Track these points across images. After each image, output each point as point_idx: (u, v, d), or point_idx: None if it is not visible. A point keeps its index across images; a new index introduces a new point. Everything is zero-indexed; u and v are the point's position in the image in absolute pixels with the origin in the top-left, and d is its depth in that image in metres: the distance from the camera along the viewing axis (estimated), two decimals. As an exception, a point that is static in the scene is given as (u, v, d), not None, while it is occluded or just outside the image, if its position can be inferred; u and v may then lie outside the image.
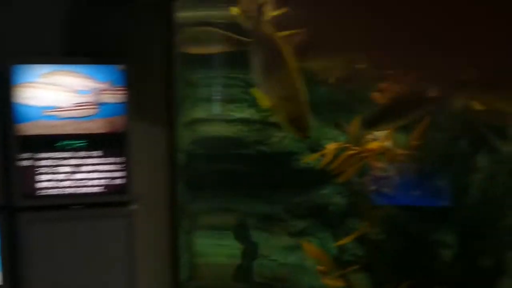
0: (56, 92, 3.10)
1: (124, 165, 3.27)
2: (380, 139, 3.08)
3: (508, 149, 3.13)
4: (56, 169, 3.14)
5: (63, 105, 3.11)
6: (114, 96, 3.19)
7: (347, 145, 3.11)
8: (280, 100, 2.12)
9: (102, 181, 3.24)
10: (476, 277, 3.36)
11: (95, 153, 3.21)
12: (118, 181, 3.27)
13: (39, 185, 3.11)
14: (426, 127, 3.15)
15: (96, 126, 3.18)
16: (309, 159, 3.19)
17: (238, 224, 4.62)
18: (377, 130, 2.75)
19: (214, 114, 3.87)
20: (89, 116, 3.16)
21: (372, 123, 2.44)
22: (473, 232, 3.38)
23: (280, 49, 2.15)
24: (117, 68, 3.20)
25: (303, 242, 3.70)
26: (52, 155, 3.14)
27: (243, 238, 4.58)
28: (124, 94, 3.22)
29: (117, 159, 3.26)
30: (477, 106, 2.38)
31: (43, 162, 3.12)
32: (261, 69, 2.21)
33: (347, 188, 3.52)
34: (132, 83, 3.24)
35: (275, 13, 2.52)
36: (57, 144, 3.14)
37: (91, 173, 3.21)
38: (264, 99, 2.17)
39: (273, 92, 2.13)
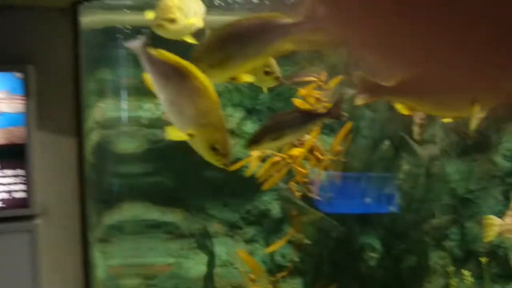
0: None
1: (25, 178, 2.99)
2: (303, 145, 3.01)
3: (426, 152, 3.17)
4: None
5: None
6: (12, 106, 2.88)
7: (271, 152, 3.01)
8: (199, 128, 1.93)
9: (1, 195, 2.96)
10: (400, 277, 3.39)
11: (-9, 166, 2.91)
12: (19, 195, 2.99)
13: None
14: (347, 132, 3.11)
15: (-8, 138, 2.87)
16: (233, 168, 3.04)
17: (200, 233, 4.48)
18: (261, 148, 2.68)
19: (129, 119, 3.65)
20: (-16, 127, 2.84)
21: (253, 141, 2.38)
22: (397, 234, 3.41)
23: (191, 74, 1.94)
24: (15, 76, 2.90)
25: (238, 251, 3.58)
26: None
27: (205, 247, 4.46)
28: (24, 103, 2.91)
29: (17, 172, 2.99)
30: (403, 110, 2.36)
31: None
32: (170, 101, 1.99)
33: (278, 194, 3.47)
34: (34, 91, 2.95)
35: (194, 21, 2.34)
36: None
37: (-13, 187, 2.92)
38: (178, 134, 1.98)
39: (189, 122, 1.94)
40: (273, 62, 2.45)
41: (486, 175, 4.56)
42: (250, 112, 4.74)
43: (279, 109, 4.25)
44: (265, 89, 2.64)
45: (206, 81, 1.95)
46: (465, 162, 4.72)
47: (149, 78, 2.03)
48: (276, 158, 3.02)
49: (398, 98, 2.23)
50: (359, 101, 2.26)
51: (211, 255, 4.10)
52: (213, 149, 1.91)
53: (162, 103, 2.06)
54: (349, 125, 3.18)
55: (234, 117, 4.67)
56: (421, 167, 3.22)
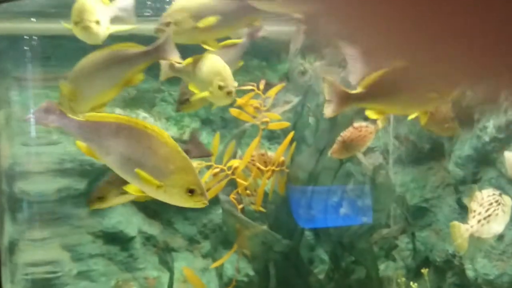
0: None
1: None
2: (244, 156, 2.91)
3: (370, 160, 3.11)
4: None
5: None
6: None
7: (210, 163, 2.90)
8: (169, 177, 1.86)
9: None
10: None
11: None
12: None
13: None
14: (289, 141, 3.03)
15: None
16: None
17: (161, 249, 4.37)
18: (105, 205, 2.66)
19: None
20: None
21: (97, 198, 2.36)
22: (345, 245, 3.32)
23: (139, 126, 1.87)
24: None
25: (183, 268, 3.45)
26: None
27: (166, 263, 4.35)
28: None
29: None
30: (373, 115, 2.32)
31: None
32: (125, 159, 1.89)
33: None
34: None
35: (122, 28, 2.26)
36: None
37: None
38: (138, 191, 1.90)
39: (155, 174, 1.86)
40: (227, 75, 2.38)
41: (441, 184, 4.54)
42: (205, 122, 4.67)
43: (232, 119, 4.16)
44: (214, 106, 2.59)
45: (157, 128, 1.89)
46: (421, 171, 4.70)
47: (86, 145, 1.93)
48: (216, 170, 2.91)
49: (368, 103, 2.21)
50: (329, 113, 2.21)
51: (170, 271, 3.96)
52: (190, 191, 1.84)
53: (111, 165, 1.95)
54: (291, 134, 3.10)
55: (190, 127, 4.58)
56: (366, 176, 3.15)
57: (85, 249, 4.20)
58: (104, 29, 2.14)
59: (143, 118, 4.46)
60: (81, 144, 1.96)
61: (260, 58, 4.73)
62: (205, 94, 2.39)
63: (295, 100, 3.12)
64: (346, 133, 2.72)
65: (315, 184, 3.23)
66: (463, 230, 2.49)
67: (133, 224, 4.42)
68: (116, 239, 4.34)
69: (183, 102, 2.67)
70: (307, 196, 3.20)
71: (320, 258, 3.38)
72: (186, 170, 1.87)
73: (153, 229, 4.50)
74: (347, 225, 3.22)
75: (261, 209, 3.15)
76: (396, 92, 2.20)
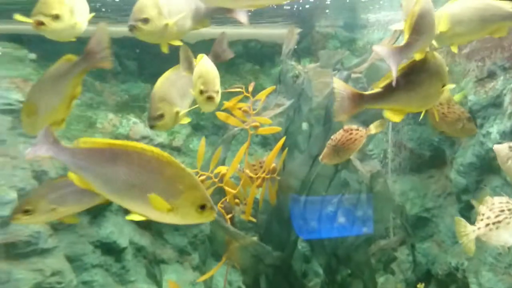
0: None
1: None
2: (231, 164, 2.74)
3: (367, 168, 2.92)
4: None
5: None
6: None
7: (195, 170, 2.73)
8: (179, 197, 1.78)
9: None
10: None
11: None
12: None
13: None
14: (280, 147, 2.86)
15: None
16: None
17: (150, 261, 4.23)
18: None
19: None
20: None
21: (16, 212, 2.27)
22: (340, 258, 3.13)
23: (140, 149, 1.75)
24: None
25: (169, 282, 3.27)
26: None
27: (153, 276, 4.22)
28: None
29: None
30: (392, 117, 2.25)
31: None
32: (129, 186, 1.77)
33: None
34: None
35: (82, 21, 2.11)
36: None
37: None
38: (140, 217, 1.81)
39: (164, 196, 1.76)
40: (209, 80, 2.22)
41: (442, 192, 4.35)
42: (196, 128, 4.52)
43: (224, 125, 4.01)
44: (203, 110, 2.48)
45: (155, 148, 1.76)
46: (422, 179, 4.51)
47: (81, 176, 1.80)
48: (202, 177, 2.74)
49: (384, 104, 2.14)
50: (340, 116, 2.09)
51: (158, 285, 3.78)
52: (201, 207, 1.76)
53: (111, 195, 1.81)
54: (282, 139, 2.93)
55: (181, 133, 4.43)
56: (363, 185, 2.96)
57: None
58: (68, 24, 1.97)
59: (133, 123, 4.32)
60: (74, 176, 1.83)
61: (253, 62, 4.59)
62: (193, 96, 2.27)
63: (287, 103, 2.95)
64: (336, 137, 2.55)
65: (308, 193, 3.05)
66: (469, 230, 2.37)
67: (124, 234, 4.25)
68: (111, 250, 4.19)
69: (156, 118, 2.39)
70: (306, 206, 3.01)
71: (314, 271, 3.18)
72: (196, 187, 1.78)
73: (144, 239, 4.34)
74: (348, 235, 3.03)
75: (251, 219, 2.96)
76: (412, 88, 2.14)
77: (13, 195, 3.40)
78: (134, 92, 4.51)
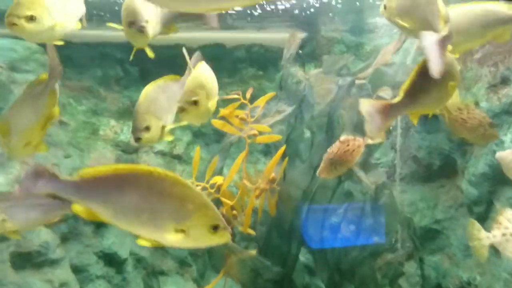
0: None
1: None
2: (229, 173, 2.61)
3: (372, 179, 2.78)
4: None
5: None
6: None
7: (190, 180, 2.60)
8: (191, 218, 1.72)
9: None
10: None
11: None
12: None
13: None
14: (280, 156, 2.72)
15: None
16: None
17: (148, 273, 4.14)
18: None
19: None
20: None
21: None
22: (343, 272, 2.98)
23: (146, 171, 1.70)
24: None
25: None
26: None
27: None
28: None
29: None
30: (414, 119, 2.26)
31: None
32: (137, 210, 1.71)
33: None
34: None
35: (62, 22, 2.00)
36: None
37: None
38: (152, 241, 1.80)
39: (175, 219, 1.72)
40: (193, 86, 2.10)
41: (454, 204, 4.17)
42: (197, 135, 4.40)
43: (225, 132, 3.90)
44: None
45: (160, 169, 1.69)
46: (432, 189, 4.34)
47: (86, 208, 1.70)
48: (197, 187, 2.61)
49: (410, 108, 2.15)
50: (375, 133, 2.10)
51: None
52: (214, 228, 1.68)
53: (120, 223, 1.72)
54: (282, 148, 2.80)
55: (182, 141, 4.32)
56: (367, 196, 2.82)
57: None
58: (45, 26, 1.85)
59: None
60: (79, 208, 1.72)
61: (256, 67, 4.47)
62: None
63: (288, 109, 2.82)
64: (333, 150, 2.40)
65: (310, 204, 2.91)
66: (483, 236, 2.31)
67: (125, 245, 4.16)
68: (112, 261, 4.11)
69: (142, 130, 2.26)
70: (313, 216, 2.88)
71: (317, 286, 3.03)
72: (206, 206, 1.70)
73: (144, 250, 4.24)
74: (357, 246, 2.88)
75: (250, 231, 2.83)
76: (429, 89, 2.14)
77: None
78: (136, 98, 4.41)
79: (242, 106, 2.83)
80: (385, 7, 2.17)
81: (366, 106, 2.01)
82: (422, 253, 3.83)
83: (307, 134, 2.99)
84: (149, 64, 4.53)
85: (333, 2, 4.10)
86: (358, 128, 2.85)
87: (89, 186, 1.70)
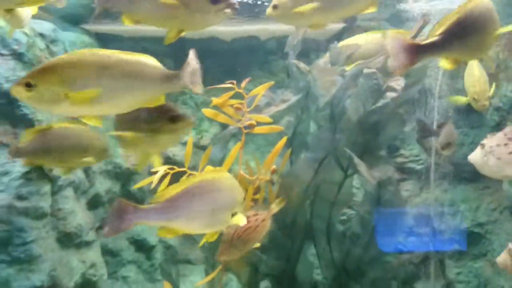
0: None
1: None
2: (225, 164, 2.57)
3: (376, 174, 2.60)
4: None
5: None
6: None
7: (183, 169, 2.60)
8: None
9: None
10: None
11: None
12: None
13: None
14: (281, 148, 2.64)
15: None
16: (141, 184, 2.69)
17: (165, 259, 4.27)
18: None
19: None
20: None
21: None
22: (350, 273, 2.83)
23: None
24: None
25: (165, 283, 3.19)
26: None
27: (168, 275, 4.27)
28: None
29: None
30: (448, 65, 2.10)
31: None
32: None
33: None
34: None
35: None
36: None
37: None
38: None
39: None
40: None
41: (498, 206, 3.81)
42: (225, 126, 4.39)
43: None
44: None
45: (216, 172, 2.08)
46: (475, 190, 3.99)
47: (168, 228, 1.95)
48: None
49: (443, 52, 2.03)
50: (397, 68, 1.95)
51: (175, 284, 3.72)
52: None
53: (198, 227, 1.99)
54: (284, 139, 2.71)
55: (209, 132, 4.34)
56: (373, 192, 2.64)
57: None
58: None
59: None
60: (163, 231, 1.97)
61: (287, 59, 4.37)
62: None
63: (293, 98, 2.71)
64: (230, 231, 2.19)
65: (314, 199, 2.79)
66: None
67: (154, 232, 4.28)
68: (142, 247, 4.25)
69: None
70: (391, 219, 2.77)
71: (322, 283, 2.91)
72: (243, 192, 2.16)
73: (174, 239, 4.33)
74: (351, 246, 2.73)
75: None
76: (466, 35, 2.02)
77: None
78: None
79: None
80: (275, 7, 2.06)
81: (392, 41, 1.89)
82: (441, 256, 3.57)
83: (314, 126, 2.87)
84: (184, 57, 4.61)
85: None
86: (364, 120, 2.70)
87: (171, 205, 1.91)
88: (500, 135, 2.15)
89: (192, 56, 2.01)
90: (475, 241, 3.80)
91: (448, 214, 3.88)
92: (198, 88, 2.00)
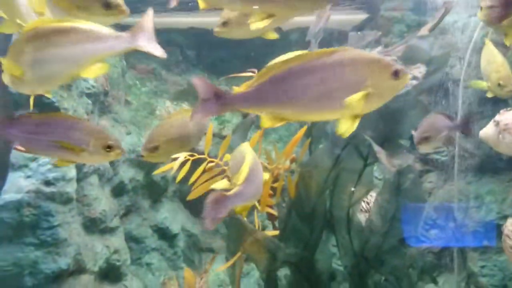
0: None
1: None
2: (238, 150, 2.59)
3: (395, 162, 2.59)
4: None
5: None
6: None
7: (203, 156, 2.64)
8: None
9: None
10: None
11: None
12: None
13: None
14: (300, 137, 2.65)
15: None
16: (162, 170, 2.74)
17: (187, 246, 4.35)
18: None
19: None
20: None
21: None
22: (371, 261, 2.83)
23: None
24: None
25: (185, 270, 3.26)
26: None
27: (191, 262, 4.36)
28: None
29: None
30: None
31: None
32: None
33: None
34: None
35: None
36: None
37: None
38: None
39: None
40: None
41: (526, 200, 3.73)
42: (246, 117, 4.42)
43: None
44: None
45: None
46: (501, 182, 3.92)
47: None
48: (210, 164, 2.65)
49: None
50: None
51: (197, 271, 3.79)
52: None
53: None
54: (304, 128, 2.72)
55: (231, 123, 4.39)
56: (393, 181, 2.63)
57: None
58: None
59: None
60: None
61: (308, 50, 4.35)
62: None
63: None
64: None
65: (334, 188, 2.80)
66: None
67: (177, 221, 4.35)
68: (165, 235, 4.32)
69: (150, 150, 2.55)
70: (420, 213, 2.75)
71: (343, 273, 2.92)
72: None
73: (196, 227, 4.39)
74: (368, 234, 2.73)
75: (269, 210, 2.80)
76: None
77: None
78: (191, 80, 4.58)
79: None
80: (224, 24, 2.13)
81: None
82: (488, 251, 3.51)
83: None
84: (205, 49, 4.68)
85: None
86: (384, 108, 2.68)
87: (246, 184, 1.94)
88: None
89: (148, 16, 1.94)
90: (499, 233, 3.73)
91: (473, 207, 3.83)
92: (158, 51, 1.94)
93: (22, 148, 2.08)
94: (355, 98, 1.63)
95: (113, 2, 1.94)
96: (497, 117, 2.06)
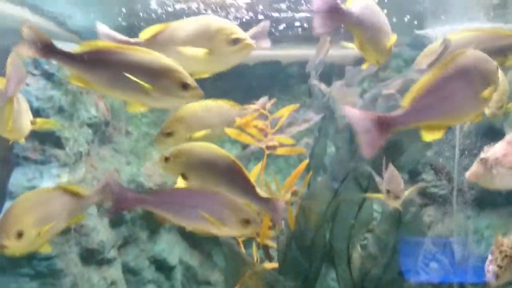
0: None
1: None
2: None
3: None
4: None
5: None
6: None
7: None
8: None
9: None
10: None
11: None
12: None
13: None
14: (302, 170, 2.67)
15: None
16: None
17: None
18: None
19: None
20: None
21: None
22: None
23: None
24: None
25: None
26: None
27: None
28: None
29: None
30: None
31: None
32: None
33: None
34: None
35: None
36: None
37: None
38: None
39: None
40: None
41: (524, 235, 3.71)
42: (246, 148, 4.44)
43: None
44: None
45: None
46: (501, 216, 3.92)
47: None
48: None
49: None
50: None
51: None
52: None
53: None
54: (305, 162, 2.74)
55: (231, 153, 4.40)
56: (394, 213, 2.63)
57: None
58: None
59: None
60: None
61: (307, 83, 4.42)
62: None
63: (315, 118, 2.73)
64: None
65: (334, 219, 2.79)
66: None
67: (175, 253, 4.30)
68: (162, 267, 4.27)
69: (165, 135, 2.62)
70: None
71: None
72: None
73: (194, 259, 4.34)
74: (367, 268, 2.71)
75: (268, 242, 2.79)
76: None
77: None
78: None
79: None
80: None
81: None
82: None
83: (332, 148, 2.89)
84: (207, 81, 4.70)
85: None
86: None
87: None
88: (502, 145, 2.07)
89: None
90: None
91: (472, 242, 3.81)
92: None
93: None
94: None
95: (191, 83, 1.91)
96: (483, 155, 2.04)
